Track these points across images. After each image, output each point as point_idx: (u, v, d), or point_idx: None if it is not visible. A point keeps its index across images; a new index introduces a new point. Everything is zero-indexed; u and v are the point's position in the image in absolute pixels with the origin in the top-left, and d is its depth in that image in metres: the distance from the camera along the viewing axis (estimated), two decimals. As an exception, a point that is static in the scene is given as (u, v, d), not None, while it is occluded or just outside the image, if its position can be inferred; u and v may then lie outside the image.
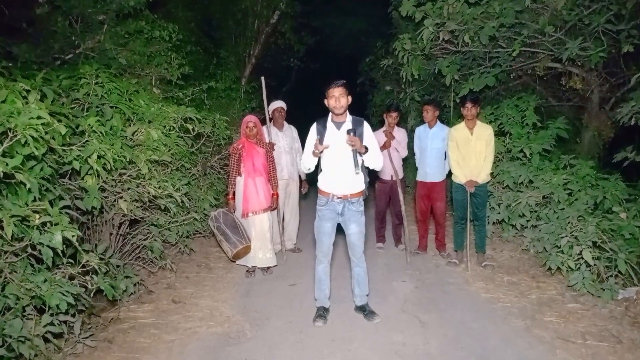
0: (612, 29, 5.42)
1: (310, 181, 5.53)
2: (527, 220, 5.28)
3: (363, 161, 3.63)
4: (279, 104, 5.68)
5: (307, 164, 3.74)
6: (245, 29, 11.10)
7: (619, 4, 5.24)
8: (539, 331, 3.57)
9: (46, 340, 2.96)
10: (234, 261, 4.99)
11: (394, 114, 5.57)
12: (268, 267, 5.01)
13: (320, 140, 3.63)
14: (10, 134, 2.42)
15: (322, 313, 3.84)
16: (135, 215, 4.02)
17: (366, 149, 3.54)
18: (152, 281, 4.61)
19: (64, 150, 2.94)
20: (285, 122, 5.74)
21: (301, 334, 3.61)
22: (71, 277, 2.99)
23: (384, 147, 5.35)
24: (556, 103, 7.52)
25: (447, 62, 6.42)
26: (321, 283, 3.88)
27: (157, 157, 3.84)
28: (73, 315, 3.10)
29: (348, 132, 3.46)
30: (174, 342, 3.46)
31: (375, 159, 3.66)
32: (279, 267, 5.16)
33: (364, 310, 3.90)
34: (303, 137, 4.07)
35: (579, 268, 4.19)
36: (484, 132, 4.92)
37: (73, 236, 2.65)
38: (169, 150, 4.13)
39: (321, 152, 3.58)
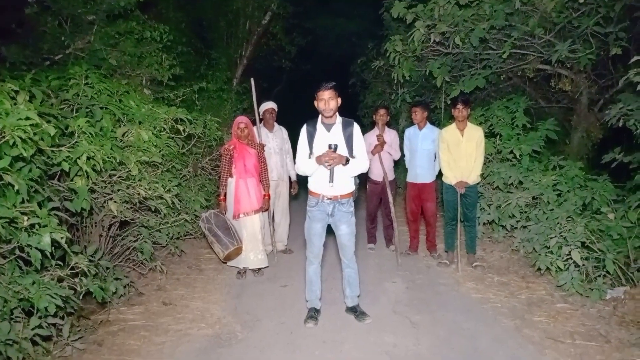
0: (600, 31, 5.47)
1: (300, 182, 5.53)
2: (517, 221, 5.31)
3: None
4: (269, 104, 5.67)
5: (307, 171, 3.70)
6: (236, 30, 11.08)
7: (608, 6, 5.30)
8: (529, 331, 3.60)
9: (34, 343, 2.94)
10: (225, 262, 4.98)
11: (381, 111, 5.60)
12: (259, 269, 5.01)
13: (311, 141, 3.64)
14: (-2, 135, 2.40)
15: (313, 314, 3.84)
16: (125, 217, 4.00)
17: (347, 161, 3.55)
18: (142, 283, 4.58)
19: (53, 151, 2.92)
20: (275, 123, 5.73)
21: (292, 335, 3.60)
22: (60, 280, 2.97)
23: (375, 151, 5.37)
24: (546, 104, 7.58)
25: (438, 64, 6.45)
26: (312, 284, 3.88)
27: (147, 158, 3.82)
28: (62, 318, 3.08)
29: (329, 146, 3.49)
30: (164, 344, 3.45)
31: (358, 168, 3.66)
32: (270, 269, 5.15)
33: (355, 311, 3.91)
34: (294, 138, 4.07)
35: (568, 268, 4.22)
36: (475, 134, 4.95)
37: (62, 238, 2.64)
38: (160, 151, 4.11)
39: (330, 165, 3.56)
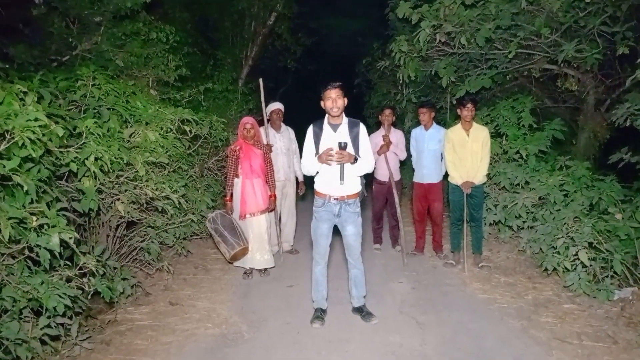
0: (607, 30, 5.45)
1: (307, 182, 5.54)
2: (524, 222, 5.29)
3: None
4: (277, 105, 5.68)
5: (311, 170, 3.71)
6: (242, 30, 11.12)
7: (614, 6, 5.27)
8: (535, 332, 3.59)
9: (43, 342, 2.96)
10: (232, 263, 4.99)
11: (387, 112, 5.60)
12: (265, 269, 5.01)
13: (317, 142, 3.65)
14: (8, 136, 2.42)
15: (319, 314, 3.84)
16: (133, 217, 4.02)
17: (355, 160, 3.56)
18: (149, 283, 4.61)
19: (61, 152, 2.94)
20: (282, 124, 5.74)
21: (298, 335, 3.61)
22: (68, 279, 2.98)
23: (381, 151, 5.37)
24: (552, 104, 7.55)
25: (443, 64, 6.43)
26: (318, 284, 3.89)
27: (154, 159, 3.84)
28: (70, 318, 3.10)
29: (339, 144, 3.48)
30: (171, 344, 3.46)
31: (365, 167, 3.66)
32: (276, 269, 5.16)
33: (362, 311, 3.91)
34: (299, 139, 4.08)
35: (575, 269, 4.21)
36: (480, 134, 4.94)
37: (70, 238, 2.65)
38: (166, 152, 4.12)
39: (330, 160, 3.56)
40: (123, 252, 4.39)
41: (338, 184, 3.57)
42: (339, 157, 3.46)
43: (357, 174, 3.68)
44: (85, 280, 3.11)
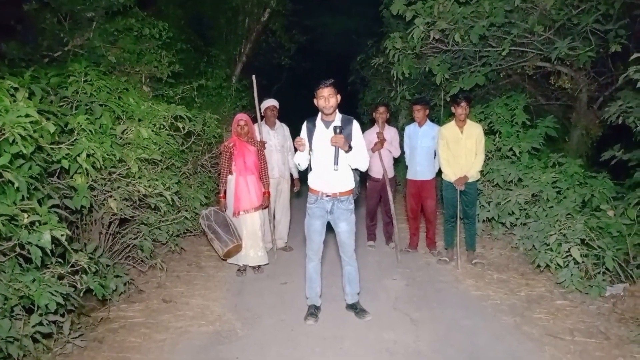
0: (600, 28, 5.48)
1: (302, 179, 5.53)
2: (517, 218, 5.32)
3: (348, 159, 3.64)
4: (271, 102, 5.65)
5: (297, 161, 3.73)
6: (236, 27, 11.07)
7: (607, 4, 5.30)
8: (528, 328, 3.61)
9: (35, 340, 2.94)
10: (225, 260, 4.98)
11: (381, 109, 5.60)
12: (259, 266, 5.01)
13: (310, 138, 3.64)
14: (-2, 132, 2.40)
15: (313, 311, 3.85)
16: (125, 214, 4.00)
17: (350, 148, 3.54)
18: (142, 280, 4.58)
19: (52, 148, 2.92)
20: (277, 121, 5.71)
21: (292, 332, 3.61)
22: (60, 277, 2.97)
23: (375, 148, 5.37)
24: (545, 102, 7.59)
25: (437, 61, 6.45)
26: (312, 281, 3.89)
27: (147, 156, 3.82)
28: (62, 315, 3.08)
29: (335, 129, 3.48)
30: (164, 341, 3.45)
31: (359, 160, 3.64)
32: (270, 266, 5.15)
33: (355, 308, 3.92)
34: (294, 136, 4.07)
35: (568, 265, 4.23)
36: (474, 131, 4.95)
37: (62, 235, 2.63)
38: (159, 148, 4.10)
39: (305, 148, 3.59)
40: (116, 249, 4.36)
41: (332, 169, 3.54)
42: (334, 141, 3.46)
43: (351, 164, 3.66)
44: (77, 277, 3.09)
